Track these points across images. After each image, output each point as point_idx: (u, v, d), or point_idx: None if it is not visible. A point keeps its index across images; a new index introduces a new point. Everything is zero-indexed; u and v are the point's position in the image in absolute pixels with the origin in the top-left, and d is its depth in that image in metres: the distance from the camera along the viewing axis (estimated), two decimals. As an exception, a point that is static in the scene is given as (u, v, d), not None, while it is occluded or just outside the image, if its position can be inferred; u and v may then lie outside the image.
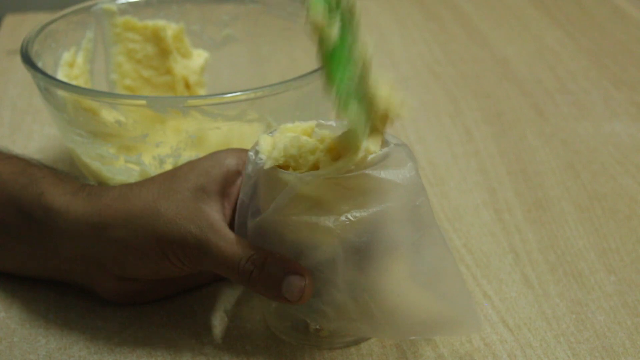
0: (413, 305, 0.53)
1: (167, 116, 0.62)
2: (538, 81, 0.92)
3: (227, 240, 0.53)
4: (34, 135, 0.83)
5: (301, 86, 0.63)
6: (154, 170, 0.65)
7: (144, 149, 0.65)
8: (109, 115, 0.64)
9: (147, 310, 0.60)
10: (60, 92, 0.64)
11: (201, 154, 0.64)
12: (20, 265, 0.61)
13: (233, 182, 0.57)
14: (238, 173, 0.57)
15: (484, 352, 0.56)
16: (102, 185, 0.68)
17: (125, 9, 0.76)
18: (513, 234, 0.68)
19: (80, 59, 0.74)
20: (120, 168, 0.66)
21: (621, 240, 0.67)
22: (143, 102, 0.63)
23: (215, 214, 0.55)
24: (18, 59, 0.97)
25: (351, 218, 0.51)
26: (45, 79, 0.64)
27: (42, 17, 0.85)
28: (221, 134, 0.65)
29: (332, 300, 0.53)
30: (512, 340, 0.57)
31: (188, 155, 0.64)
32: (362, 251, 0.51)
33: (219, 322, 0.59)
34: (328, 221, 0.51)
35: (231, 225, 0.55)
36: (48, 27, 0.72)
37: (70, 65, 0.73)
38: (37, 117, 0.86)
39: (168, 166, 0.65)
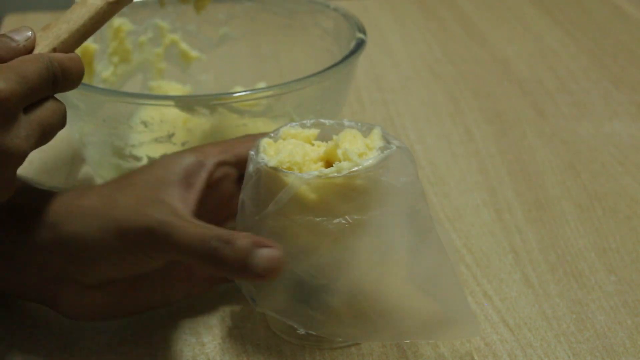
0: (410, 309, 0.53)
1: (194, 115, 0.62)
2: (538, 81, 0.92)
3: (192, 223, 0.51)
4: (34, 135, 0.83)
5: (324, 80, 0.64)
6: None
7: (169, 149, 0.65)
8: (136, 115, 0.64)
9: (147, 310, 0.60)
10: (84, 96, 0.64)
11: None
12: None
13: (194, 172, 0.55)
14: (199, 163, 0.55)
15: (484, 352, 0.56)
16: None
17: (121, 11, 0.76)
18: (513, 233, 0.68)
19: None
20: None
21: (621, 240, 0.67)
22: (171, 102, 0.63)
23: (176, 202, 0.53)
24: (18, 59, 0.97)
25: (350, 220, 0.51)
26: None
27: (42, 17, 0.85)
28: (238, 132, 0.65)
29: (322, 305, 0.52)
30: (512, 340, 0.57)
31: None
32: (360, 254, 0.51)
33: (219, 322, 0.59)
34: (326, 222, 0.51)
35: (198, 216, 0.54)
36: None
37: None
38: (37, 117, 0.86)
39: None
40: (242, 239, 0.49)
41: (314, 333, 0.54)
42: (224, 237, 0.49)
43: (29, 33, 0.49)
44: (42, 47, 0.50)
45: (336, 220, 0.51)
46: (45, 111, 0.49)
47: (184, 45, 0.79)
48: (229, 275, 0.52)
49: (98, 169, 0.70)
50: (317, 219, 0.51)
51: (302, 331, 0.54)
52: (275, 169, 0.51)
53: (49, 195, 0.56)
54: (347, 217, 0.51)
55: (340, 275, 0.52)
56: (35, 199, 0.55)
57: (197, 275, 0.58)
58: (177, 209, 0.52)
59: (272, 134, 0.55)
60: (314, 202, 0.51)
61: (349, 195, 0.51)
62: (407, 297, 0.53)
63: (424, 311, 0.53)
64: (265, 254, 0.48)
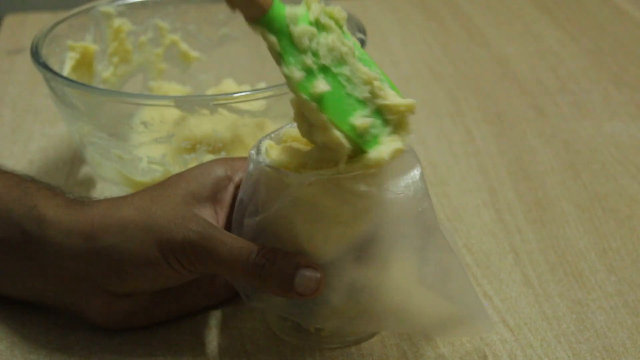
0: (421, 308, 0.53)
1: (194, 115, 0.63)
2: (538, 81, 0.92)
3: (231, 236, 0.52)
4: (35, 135, 0.83)
5: None
6: (178, 169, 0.65)
7: (169, 149, 0.65)
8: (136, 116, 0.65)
9: (147, 310, 0.60)
10: (84, 96, 0.64)
11: (226, 153, 0.65)
12: (6, 284, 0.58)
13: (224, 187, 0.56)
14: (228, 179, 0.56)
15: (484, 352, 0.56)
16: (120, 186, 0.68)
17: (122, 11, 0.76)
18: (513, 234, 0.68)
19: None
20: (142, 169, 0.66)
21: (621, 240, 0.67)
22: (171, 102, 0.63)
23: (209, 219, 0.54)
24: (18, 59, 0.97)
25: (353, 223, 0.51)
26: (67, 83, 0.64)
27: (42, 17, 0.85)
28: (238, 133, 0.65)
29: (327, 301, 0.52)
30: (512, 340, 0.57)
31: (212, 156, 0.64)
32: (364, 255, 0.51)
33: (219, 322, 0.59)
34: (329, 225, 0.51)
35: (226, 229, 0.54)
36: (51, 32, 0.72)
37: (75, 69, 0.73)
38: (37, 117, 0.86)
39: (192, 165, 0.65)
40: (284, 258, 0.51)
41: (322, 327, 0.55)
42: (267, 254, 0.51)
43: None
44: None
45: (338, 223, 0.50)
46: None
47: (184, 46, 0.79)
48: (268, 291, 0.52)
49: (98, 169, 0.70)
50: (319, 222, 0.51)
51: (314, 325, 0.54)
52: (275, 169, 0.51)
53: (81, 204, 0.56)
54: (349, 219, 0.50)
55: (344, 274, 0.52)
56: (66, 208, 0.55)
57: (218, 283, 0.59)
58: (214, 225, 0.53)
59: (272, 135, 0.55)
60: (316, 205, 0.50)
61: (351, 197, 0.50)
62: (416, 297, 0.53)
63: (435, 310, 0.53)
64: (308, 274, 0.51)
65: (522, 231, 0.68)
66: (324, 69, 0.48)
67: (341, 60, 0.49)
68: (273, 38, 0.47)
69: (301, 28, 0.47)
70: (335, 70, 0.49)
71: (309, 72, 0.48)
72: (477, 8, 1.12)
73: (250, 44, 0.81)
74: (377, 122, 0.50)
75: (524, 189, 0.74)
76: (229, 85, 0.79)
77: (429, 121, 0.85)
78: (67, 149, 0.80)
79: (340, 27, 0.49)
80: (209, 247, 0.52)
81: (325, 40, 0.48)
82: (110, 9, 0.75)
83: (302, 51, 0.48)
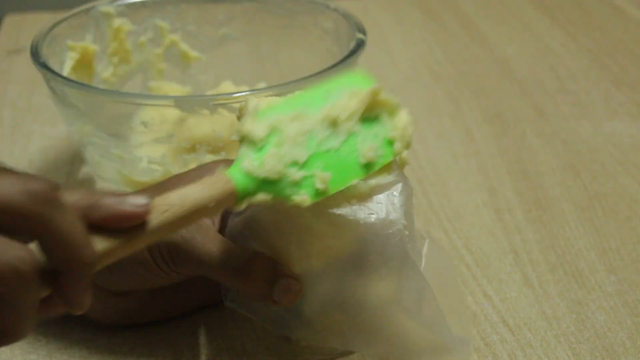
0: (396, 330, 0.52)
1: (194, 115, 0.63)
2: (538, 81, 0.92)
3: (215, 240, 0.52)
4: (35, 135, 0.83)
5: (324, 80, 0.64)
6: (178, 169, 0.65)
7: (168, 150, 0.65)
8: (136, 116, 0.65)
9: (147, 310, 0.60)
10: (84, 96, 0.64)
11: (226, 153, 0.65)
12: None
13: None
14: None
15: (484, 352, 0.56)
16: (120, 186, 0.68)
17: (122, 11, 0.76)
18: (513, 234, 0.68)
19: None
20: (142, 169, 0.66)
21: (621, 240, 0.67)
22: (171, 102, 0.63)
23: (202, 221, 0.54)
24: (18, 59, 0.97)
25: (327, 237, 0.50)
26: (67, 83, 0.64)
27: (42, 17, 0.84)
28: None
29: (299, 311, 0.52)
30: (512, 340, 0.57)
31: (212, 156, 0.64)
32: (338, 271, 0.50)
33: (219, 322, 0.59)
34: (302, 236, 0.50)
35: (221, 232, 0.54)
36: (51, 32, 0.72)
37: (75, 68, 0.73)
38: (37, 117, 0.86)
39: (192, 166, 0.65)
40: (266, 264, 0.51)
41: (289, 336, 0.54)
42: (249, 258, 0.51)
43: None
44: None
45: (310, 234, 0.49)
46: None
47: (183, 46, 0.79)
48: (246, 295, 0.52)
49: (98, 169, 0.70)
50: (290, 229, 0.50)
51: (292, 337, 0.54)
52: None
53: None
54: (322, 231, 0.49)
55: (314, 286, 0.51)
56: None
57: (215, 284, 0.59)
58: (202, 223, 0.53)
59: None
60: (286, 212, 0.49)
61: (325, 210, 0.49)
62: (391, 318, 0.51)
63: (410, 334, 0.52)
64: (286, 284, 0.51)
65: (522, 231, 0.68)
66: (307, 164, 0.48)
67: (309, 136, 0.48)
68: (261, 196, 0.47)
69: (268, 166, 0.47)
70: (314, 150, 0.48)
71: (304, 180, 0.47)
72: (477, 8, 1.12)
73: (250, 44, 0.81)
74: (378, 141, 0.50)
75: (524, 189, 0.74)
76: (227, 87, 0.79)
77: (428, 121, 0.85)
78: (67, 149, 0.80)
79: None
80: (190, 250, 0.52)
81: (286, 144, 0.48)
82: (110, 9, 0.75)
83: (283, 177, 0.47)
